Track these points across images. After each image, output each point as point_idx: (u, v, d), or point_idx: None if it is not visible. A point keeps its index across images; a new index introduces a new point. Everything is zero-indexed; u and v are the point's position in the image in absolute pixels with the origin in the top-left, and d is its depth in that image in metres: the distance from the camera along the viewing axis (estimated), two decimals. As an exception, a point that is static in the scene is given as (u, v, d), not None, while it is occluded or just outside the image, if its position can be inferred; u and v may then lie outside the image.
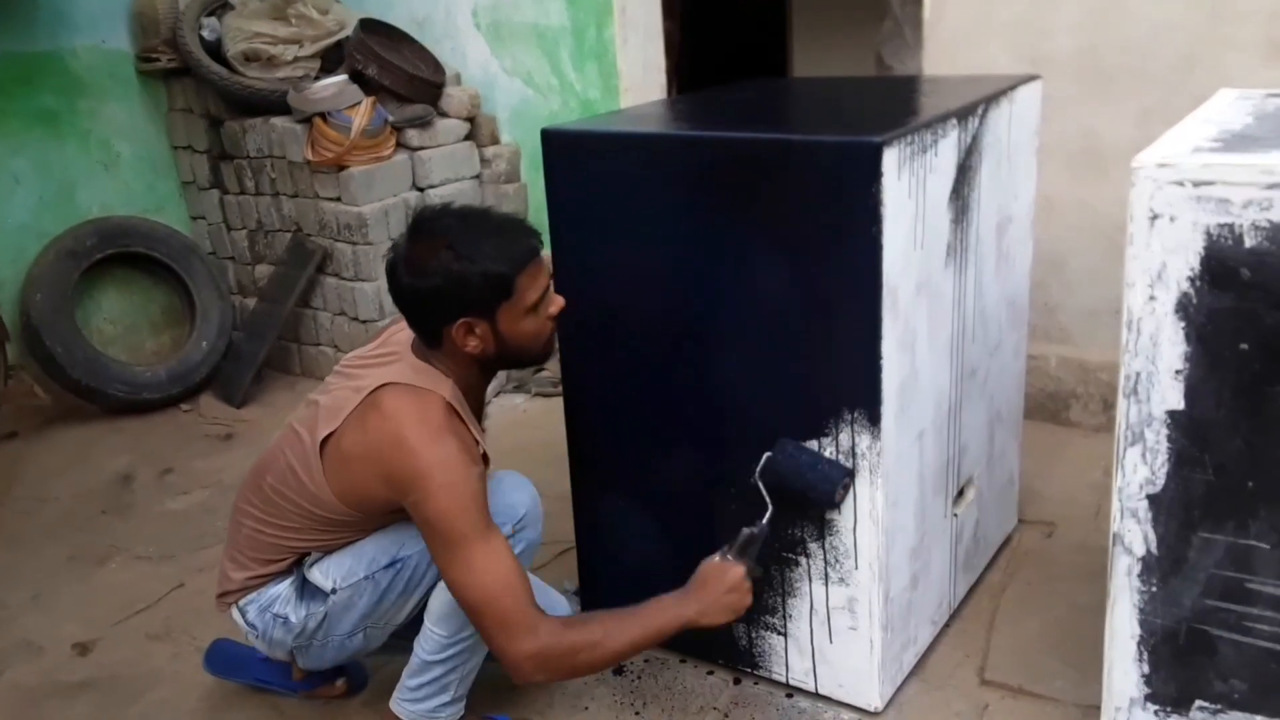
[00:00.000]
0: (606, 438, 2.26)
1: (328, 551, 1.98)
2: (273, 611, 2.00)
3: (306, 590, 1.99)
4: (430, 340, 1.88)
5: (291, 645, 2.02)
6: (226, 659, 2.32)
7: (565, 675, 1.89)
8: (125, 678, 2.45)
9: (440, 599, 1.92)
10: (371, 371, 1.91)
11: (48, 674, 2.48)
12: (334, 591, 1.95)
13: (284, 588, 2.00)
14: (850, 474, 1.93)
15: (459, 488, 1.75)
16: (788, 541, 2.07)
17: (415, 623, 2.02)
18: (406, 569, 1.94)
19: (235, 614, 2.05)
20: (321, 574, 1.97)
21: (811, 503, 1.95)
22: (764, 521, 1.92)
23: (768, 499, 1.93)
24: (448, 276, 1.79)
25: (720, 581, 1.85)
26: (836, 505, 1.95)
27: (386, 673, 2.21)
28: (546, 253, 1.96)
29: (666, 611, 1.83)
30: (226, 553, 2.07)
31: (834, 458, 1.95)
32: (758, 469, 1.95)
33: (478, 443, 1.91)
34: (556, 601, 2.16)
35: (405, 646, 2.05)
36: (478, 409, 1.99)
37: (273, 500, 1.96)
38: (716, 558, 1.90)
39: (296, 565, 2.01)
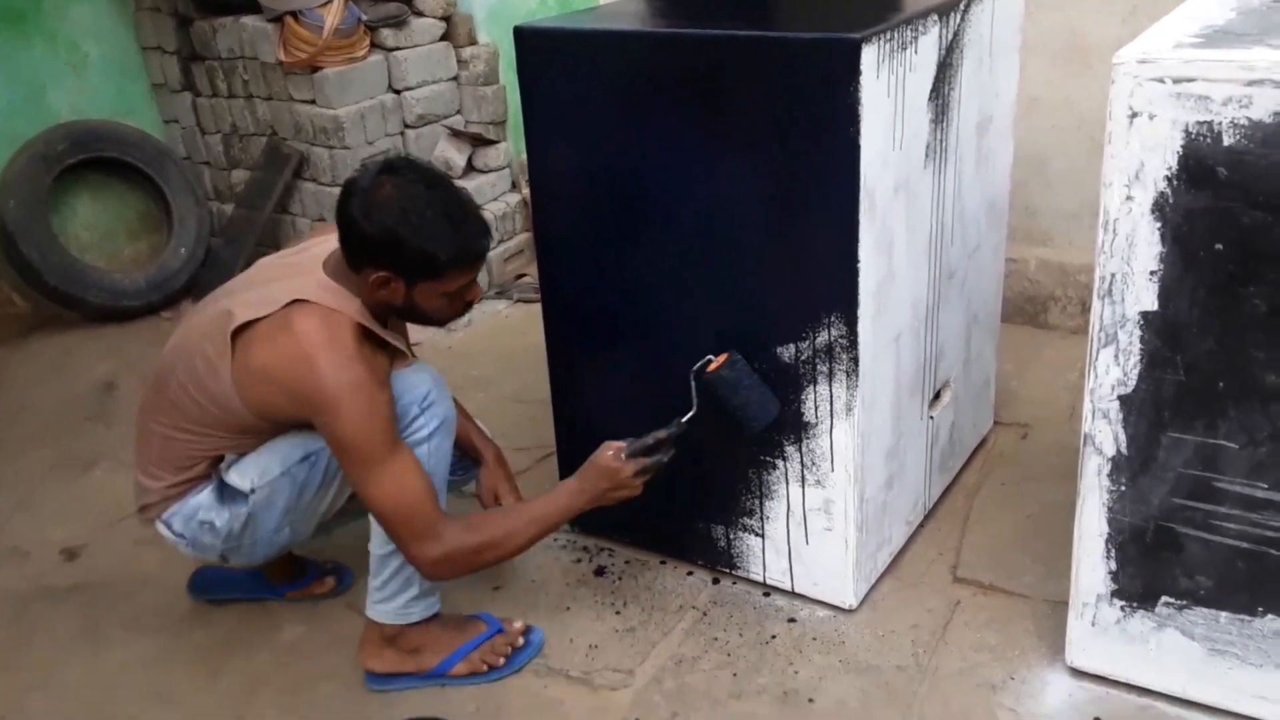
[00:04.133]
0: (585, 342, 2.26)
1: (242, 453, 1.99)
2: (198, 519, 2.00)
3: (226, 493, 1.99)
4: (350, 263, 1.89)
5: (221, 549, 2.03)
6: (208, 582, 2.36)
7: (469, 572, 1.99)
8: (114, 581, 2.48)
9: None
10: (283, 283, 1.91)
11: (35, 579, 2.51)
12: (253, 491, 1.96)
13: (205, 495, 2.00)
14: (778, 411, 2.01)
15: (366, 411, 1.80)
16: (764, 444, 2.09)
17: (348, 503, 2.06)
18: (321, 459, 1.95)
19: (160, 527, 2.05)
20: (239, 475, 1.97)
21: (737, 422, 2.00)
22: (683, 421, 1.98)
23: (695, 401, 1.98)
24: (387, 233, 1.80)
25: (609, 479, 1.97)
26: (756, 435, 2.02)
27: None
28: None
29: (560, 505, 1.98)
30: (138, 465, 2.05)
31: (773, 392, 2.00)
32: (694, 367, 1.98)
33: (394, 352, 1.96)
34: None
35: (344, 521, 2.15)
36: (383, 321, 1.97)
37: (182, 407, 1.95)
38: (617, 452, 1.97)
39: (213, 469, 2.01)
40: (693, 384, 1.99)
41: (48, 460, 3.04)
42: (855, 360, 1.93)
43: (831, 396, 1.98)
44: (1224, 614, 1.76)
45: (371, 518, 1.95)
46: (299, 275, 1.92)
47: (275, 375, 1.83)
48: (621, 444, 1.98)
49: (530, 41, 2.06)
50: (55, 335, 3.90)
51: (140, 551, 2.57)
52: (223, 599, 2.36)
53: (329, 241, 1.95)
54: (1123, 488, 1.76)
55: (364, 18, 3.71)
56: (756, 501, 2.17)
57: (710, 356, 1.98)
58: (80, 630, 2.33)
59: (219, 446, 1.98)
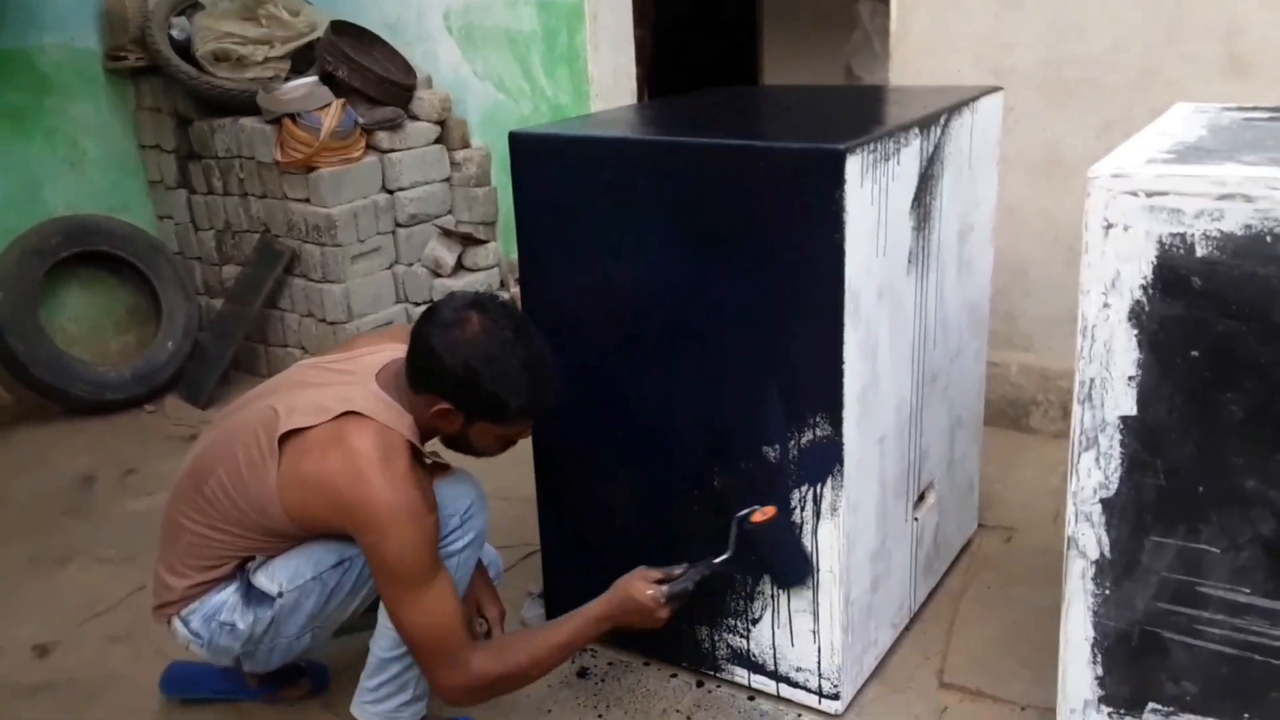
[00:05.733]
0: (571, 441, 2.27)
1: (272, 555, 1.95)
2: (218, 619, 1.96)
3: (252, 595, 1.95)
4: (412, 384, 1.89)
5: (238, 651, 1.99)
6: (181, 679, 2.30)
7: (491, 698, 1.97)
8: (84, 680, 2.42)
9: None
10: (333, 390, 1.90)
11: (5, 676, 2.46)
12: (280, 595, 1.93)
13: (228, 594, 1.96)
14: (813, 572, 2.02)
15: (414, 535, 1.80)
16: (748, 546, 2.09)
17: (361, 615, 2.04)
18: (354, 567, 1.93)
19: (177, 624, 2.00)
20: (267, 578, 1.93)
21: (770, 575, 2.05)
22: (716, 562, 1.99)
23: (732, 546, 1.99)
24: (465, 372, 1.82)
25: (640, 614, 1.95)
26: (785, 590, 2.05)
27: (349, 674, 2.20)
28: None
29: (586, 632, 1.96)
30: (162, 561, 2.01)
31: (809, 551, 2.01)
32: (740, 513, 2.00)
33: (436, 467, 1.98)
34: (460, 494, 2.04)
35: (350, 633, 2.10)
36: (425, 440, 1.99)
37: (218, 505, 1.91)
38: (656, 592, 1.94)
39: (239, 569, 1.97)
40: (734, 529, 1.99)
41: (23, 554, 3.00)
42: (840, 461, 1.94)
43: (817, 497, 1.99)
44: (1211, 721, 1.75)
45: (382, 622, 1.93)
46: (351, 384, 1.91)
47: (326, 489, 1.82)
48: (656, 576, 1.96)
49: (524, 146, 2.12)
50: (37, 427, 3.88)
51: (111, 650, 2.53)
52: (195, 698, 2.31)
53: (382, 352, 1.97)
54: (1107, 591, 1.76)
55: (361, 120, 3.81)
56: (741, 603, 2.15)
57: (756, 506, 2.00)
58: (48, 730, 2.27)
59: (250, 548, 1.94)
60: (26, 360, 3.81)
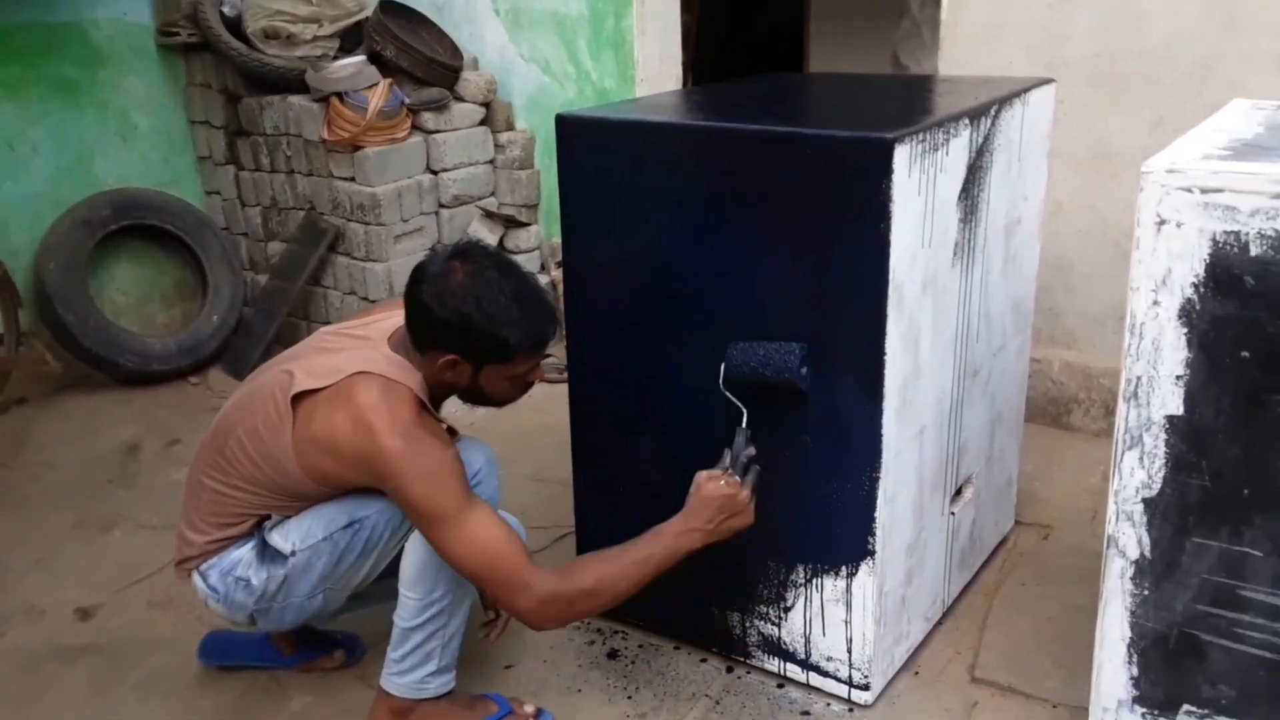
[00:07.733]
0: (609, 424, 2.28)
1: (288, 515, 2.00)
2: (234, 575, 2.01)
3: (267, 553, 2.00)
4: (416, 344, 1.94)
5: (252, 608, 2.03)
6: (220, 646, 2.35)
7: (574, 619, 2.02)
8: (125, 643, 2.47)
9: (409, 563, 1.96)
10: (348, 354, 1.95)
11: (48, 637, 2.51)
12: (293, 554, 1.97)
13: (245, 551, 2.01)
14: (805, 349, 1.93)
15: (432, 470, 1.83)
16: (783, 534, 2.09)
17: (377, 583, 2.07)
18: (365, 529, 1.97)
19: (196, 579, 2.05)
20: (281, 537, 1.98)
21: (780, 389, 1.96)
22: (745, 428, 1.97)
23: (740, 404, 1.97)
24: (460, 318, 1.86)
25: (726, 508, 1.93)
26: (803, 384, 1.94)
27: (383, 646, 2.23)
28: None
29: (666, 545, 1.91)
30: (184, 518, 2.07)
31: (780, 342, 1.95)
32: (720, 380, 1.98)
33: (448, 430, 1.99)
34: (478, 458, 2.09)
35: (369, 603, 2.14)
36: (439, 401, 2.03)
37: (237, 464, 1.97)
38: (727, 479, 1.93)
39: (256, 528, 2.02)
40: (727, 394, 1.98)
41: (69, 519, 3.06)
42: (878, 452, 1.94)
43: (852, 487, 1.98)
44: (1247, 725, 1.73)
45: (403, 591, 1.96)
46: (364, 348, 1.96)
47: (338, 446, 1.87)
48: (718, 470, 1.95)
49: (572, 129, 2.12)
50: (84, 396, 3.95)
51: (153, 615, 2.58)
52: (232, 665, 2.35)
53: (395, 317, 2.00)
54: (1146, 592, 1.75)
55: (407, 101, 3.83)
56: (774, 590, 2.16)
57: (724, 363, 1.98)
58: (90, 692, 2.32)
59: (267, 506, 1.99)
60: (76, 330, 3.88)
